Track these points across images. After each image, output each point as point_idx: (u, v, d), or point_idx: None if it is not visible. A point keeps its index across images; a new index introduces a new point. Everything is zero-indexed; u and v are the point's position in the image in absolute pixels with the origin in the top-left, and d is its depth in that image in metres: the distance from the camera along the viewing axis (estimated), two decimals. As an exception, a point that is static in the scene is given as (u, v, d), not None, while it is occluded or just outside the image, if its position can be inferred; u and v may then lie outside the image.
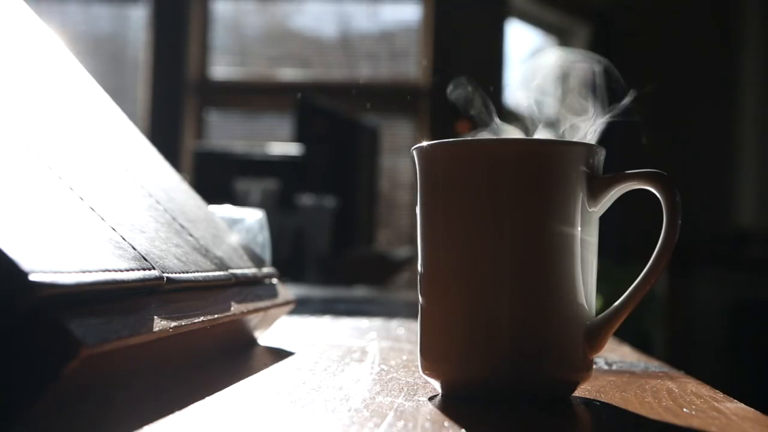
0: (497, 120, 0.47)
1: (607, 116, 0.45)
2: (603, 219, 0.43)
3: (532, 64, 0.47)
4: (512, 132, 0.47)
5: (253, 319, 0.58)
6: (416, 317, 0.45)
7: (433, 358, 0.43)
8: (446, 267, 0.42)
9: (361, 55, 3.67)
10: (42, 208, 0.37)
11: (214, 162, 2.55)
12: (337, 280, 2.04)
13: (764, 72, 3.44)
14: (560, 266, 0.41)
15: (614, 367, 0.54)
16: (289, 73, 3.64)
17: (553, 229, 0.41)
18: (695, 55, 3.46)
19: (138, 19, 3.65)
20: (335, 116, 2.70)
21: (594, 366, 0.44)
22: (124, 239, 0.41)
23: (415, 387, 0.44)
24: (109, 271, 0.36)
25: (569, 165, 0.41)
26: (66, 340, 0.30)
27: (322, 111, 2.66)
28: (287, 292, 0.67)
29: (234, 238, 0.63)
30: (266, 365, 0.51)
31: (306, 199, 2.29)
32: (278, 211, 2.12)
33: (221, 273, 0.52)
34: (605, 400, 0.42)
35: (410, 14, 3.63)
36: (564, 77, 0.46)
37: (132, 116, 0.71)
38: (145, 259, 0.41)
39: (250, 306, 0.55)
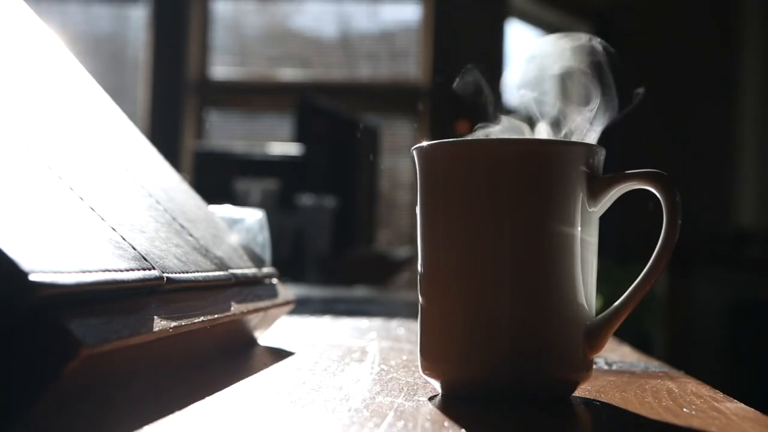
0: (499, 117, 0.47)
1: (605, 100, 0.45)
2: (603, 219, 0.43)
3: (532, 56, 0.47)
4: (513, 125, 0.47)
5: (253, 319, 0.58)
6: (416, 317, 0.44)
7: (433, 358, 0.43)
8: (446, 267, 0.42)
9: (361, 55, 3.67)
10: (42, 208, 0.37)
11: (214, 162, 2.56)
12: (337, 280, 2.05)
13: (764, 72, 3.44)
14: (560, 266, 0.41)
15: (614, 367, 0.54)
16: (289, 73, 3.65)
17: (553, 229, 0.41)
18: (695, 55, 3.46)
19: (138, 19, 3.66)
20: (335, 116, 2.70)
21: (594, 366, 0.44)
22: (124, 239, 0.41)
23: (415, 387, 0.44)
24: (109, 271, 0.36)
25: (569, 165, 0.41)
26: (66, 340, 0.30)
27: (322, 111, 2.66)
28: (287, 292, 0.67)
29: (234, 238, 0.63)
30: (266, 365, 0.51)
31: (306, 199, 2.29)
32: (278, 211, 2.12)
33: (221, 273, 0.52)
34: (605, 400, 0.42)
35: (410, 14, 3.63)
36: (563, 62, 0.46)
37: (132, 116, 0.71)
38: (145, 259, 0.41)
39: (250, 306, 0.55)
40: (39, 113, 0.48)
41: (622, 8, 3.50)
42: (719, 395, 0.44)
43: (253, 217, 0.70)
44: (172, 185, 0.61)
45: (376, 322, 0.81)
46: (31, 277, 0.30)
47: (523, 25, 3.63)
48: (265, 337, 0.64)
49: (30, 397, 0.30)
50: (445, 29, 3.44)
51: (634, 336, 2.49)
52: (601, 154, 0.43)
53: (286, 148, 2.72)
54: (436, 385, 0.43)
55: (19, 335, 0.30)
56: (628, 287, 0.42)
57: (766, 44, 3.45)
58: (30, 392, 0.30)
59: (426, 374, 0.43)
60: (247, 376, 0.46)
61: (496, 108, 0.47)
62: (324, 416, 0.36)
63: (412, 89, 3.58)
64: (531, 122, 0.47)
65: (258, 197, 2.15)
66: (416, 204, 0.44)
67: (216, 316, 0.47)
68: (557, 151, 0.42)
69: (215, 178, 2.41)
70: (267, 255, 0.68)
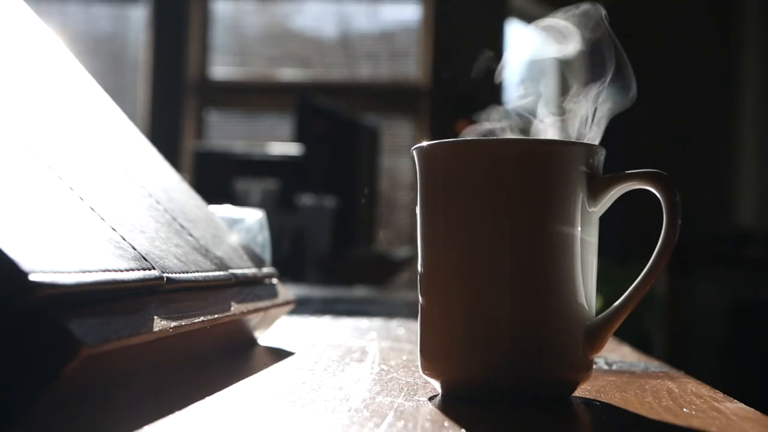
0: (498, 117, 0.47)
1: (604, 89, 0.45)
2: (603, 219, 0.43)
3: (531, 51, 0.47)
4: (514, 125, 0.47)
5: (253, 319, 0.58)
6: (416, 317, 0.44)
7: (433, 358, 0.43)
8: (446, 267, 0.42)
9: (361, 55, 3.67)
10: (42, 208, 0.37)
11: (214, 162, 2.56)
12: (337, 280, 2.05)
13: (764, 72, 3.44)
14: (560, 266, 0.41)
15: (614, 367, 0.54)
16: (289, 73, 3.65)
17: (553, 229, 0.41)
18: (695, 55, 3.46)
19: (138, 19, 3.66)
20: (335, 116, 2.70)
21: (594, 366, 0.44)
22: (124, 239, 0.41)
23: (415, 387, 0.44)
24: (109, 271, 0.36)
25: (569, 165, 0.41)
26: (66, 340, 0.30)
27: (322, 111, 2.66)
28: (287, 292, 0.67)
29: (234, 238, 0.63)
30: (266, 365, 0.51)
31: (306, 199, 2.29)
32: (278, 211, 2.12)
33: (221, 273, 0.52)
34: (605, 400, 0.42)
35: (410, 14, 3.63)
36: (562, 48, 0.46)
37: (132, 116, 0.71)
38: (145, 259, 0.41)
39: (250, 306, 0.55)
40: (39, 113, 0.48)
41: (622, 8, 3.49)
42: (719, 395, 0.44)
43: (253, 217, 0.70)
44: (172, 185, 0.61)
45: (376, 322, 0.81)
46: (31, 277, 0.30)
47: (523, 25, 3.62)
48: (265, 337, 0.64)
49: (30, 397, 0.30)
50: (445, 29, 3.44)
51: (634, 336, 2.49)
52: (601, 154, 0.43)
53: (286, 148, 2.72)
54: (436, 385, 0.43)
55: (19, 335, 0.30)
56: (628, 287, 0.42)
57: (766, 44, 3.45)
58: (30, 392, 0.30)
59: (426, 374, 0.43)
60: (247, 376, 0.46)
61: (496, 108, 0.47)
62: (324, 416, 0.36)
63: (412, 89, 3.58)
64: (531, 120, 0.47)
65: (258, 197, 2.15)
66: (416, 204, 0.44)
67: (216, 316, 0.47)
68: (557, 151, 0.42)
69: (215, 178, 2.41)
70: (267, 255, 0.68)
